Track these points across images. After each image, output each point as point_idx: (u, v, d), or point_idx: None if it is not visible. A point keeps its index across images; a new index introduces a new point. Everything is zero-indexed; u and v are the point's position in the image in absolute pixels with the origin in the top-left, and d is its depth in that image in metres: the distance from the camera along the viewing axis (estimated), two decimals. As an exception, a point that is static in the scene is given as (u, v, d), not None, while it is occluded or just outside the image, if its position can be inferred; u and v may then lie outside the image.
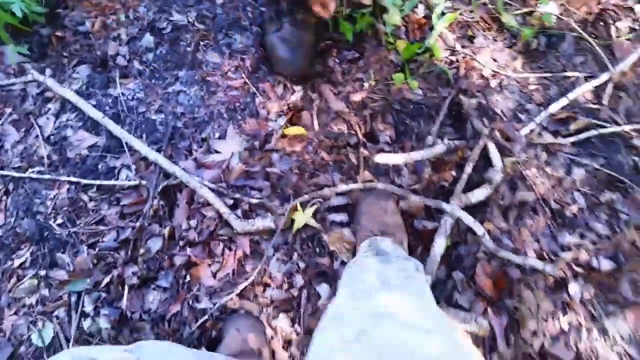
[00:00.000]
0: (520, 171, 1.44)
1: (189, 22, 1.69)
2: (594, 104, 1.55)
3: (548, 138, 1.49)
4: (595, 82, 1.56)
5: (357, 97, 1.56)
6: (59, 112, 1.55)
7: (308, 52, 1.55)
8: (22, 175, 1.46)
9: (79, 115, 1.54)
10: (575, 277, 1.27)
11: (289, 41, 1.53)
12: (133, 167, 1.46)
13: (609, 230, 1.34)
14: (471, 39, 1.66)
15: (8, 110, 1.55)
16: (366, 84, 1.59)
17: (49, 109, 1.56)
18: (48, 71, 1.59)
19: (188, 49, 1.65)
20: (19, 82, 1.58)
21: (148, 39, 1.66)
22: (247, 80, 1.60)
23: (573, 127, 1.51)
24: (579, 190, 1.41)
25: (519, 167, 1.44)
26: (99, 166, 1.47)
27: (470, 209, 1.37)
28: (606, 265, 1.27)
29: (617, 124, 1.50)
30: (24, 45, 1.63)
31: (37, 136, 1.52)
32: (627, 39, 1.64)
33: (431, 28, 1.64)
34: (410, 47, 1.59)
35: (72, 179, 1.45)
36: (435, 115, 1.54)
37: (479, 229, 1.29)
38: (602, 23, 1.67)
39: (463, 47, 1.64)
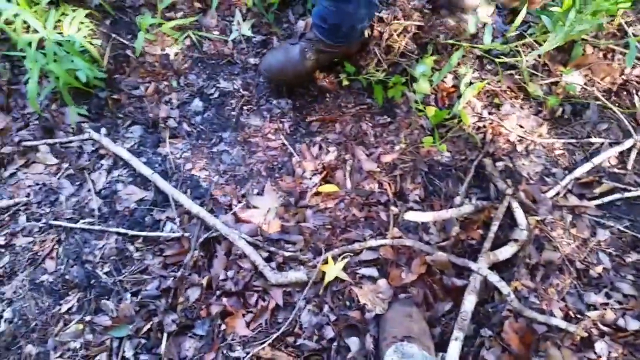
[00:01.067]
0: (546, 231, 1.48)
1: (234, 88, 1.83)
2: (618, 168, 1.60)
3: (573, 201, 1.53)
4: (619, 148, 1.61)
5: (388, 158, 1.65)
6: (111, 168, 1.68)
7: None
8: (74, 225, 1.57)
9: (130, 171, 1.67)
10: (602, 336, 1.28)
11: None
12: (177, 220, 1.55)
13: (636, 290, 1.36)
14: (498, 106, 1.74)
15: (65, 165, 1.69)
16: (397, 146, 1.68)
17: (102, 165, 1.69)
18: (103, 130, 1.73)
19: (233, 112, 1.78)
20: (77, 140, 1.73)
21: (197, 104, 1.80)
22: (285, 142, 1.71)
23: (598, 190, 1.55)
24: (604, 251, 1.44)
25: (544, 227, 1.48)
26: (146, 219, 1.58)
27: (498, 266, 1.41)
28: (633, 325, 1.29)
29: (642, 188, 1.55)
30: (83, 107, 1.78)
31: (90, 190, 1.64)
32: (651, 108, 1.70)
33: (459, 96, 1.74)
34: (439, 114, 1.68)
35: (120, 230, 1.55)
36: (463, 176, 1.61)
37: (505, 289, 1.33)
38: (625, 92, 1.74)
39: (490, 113, 1.73)
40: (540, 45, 1.77)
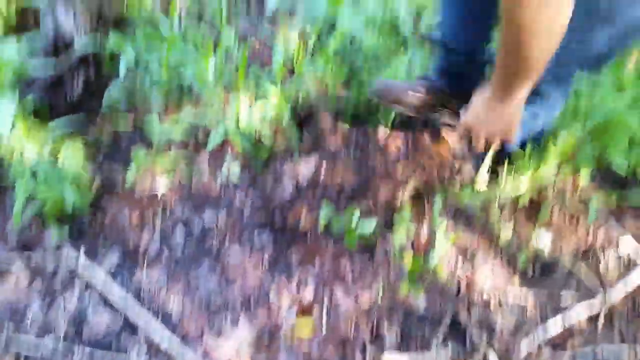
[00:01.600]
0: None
1: (217, 222, 1.87)
2: (589, 327, 1.63)
3: (546, 354, 1.53)
4: (589, 307, 1.65)
5: (365, 299, 1.65)
6: (84, 290, 1.64)
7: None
8: (39, 344, 1.50)
9: (103, 295, 1.63)
10: None
11: None
12: (145, 349, 1.50)
13: None
14: (472, 258, 1.80)
15: (38, 284, 1.65)
16: (374, 289, 1.69)
17: (76, 286, 1.65)
18: (82, 252, 1.72)
19: (214, 243, 1.80)
20: (53, 260, 1.71)
21: (179, 234, 1.83)
22: (264, 275, 1.72)
23: (570, 345, 1.56)
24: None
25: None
26: (113, 343, 1.51)
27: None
28: None
29: (612, 343, 1.56)
30: (65, 228, 1.79)
31: (59, 310, 1.59)
32: (616, 268, 1.78)
33: (435, 246, 1.80)
34: (415, 261, 1.73)
35: (86, 351, 1.48)
36: (439, 324, 1.62)
37: None
38: (591, 253, 1.83)
39: (464, 264, 1.78)
40: (507, 202, 1.89)
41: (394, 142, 2.19)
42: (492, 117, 1.24)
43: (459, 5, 1.60)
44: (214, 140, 1.98)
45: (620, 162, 1.87)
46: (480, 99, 1.26)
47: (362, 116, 2.24)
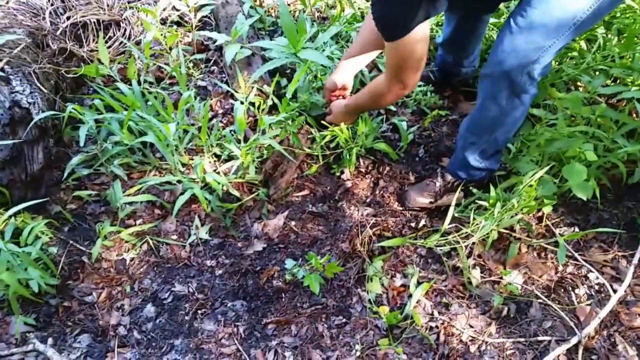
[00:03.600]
0: None
1: (189, 292, 1.76)
2: (568, 365, 1.57)
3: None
4: (566, 346, 1.59)
5: (345, 364, 1.56)
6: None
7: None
8: None
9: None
10: None
11: None
12: None
13: None
14: (447, 306, 1.73)
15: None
16: (354, 349, 1.60)
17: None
18: (50, 340, 1.59)
19: (186, 317, 1.69)
20: (19, 352, 1.57)
21: (149, 309, 1.71)
22: (239, 347, 1.61)
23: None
24: None
25: None
26: None
27: None
28: None
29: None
30: (31, 315, 1.66)
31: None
32: (588, 304, 1.72)
33: (410, 296, 1.73)
34: (392, 315, 1.65)
35: None
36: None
37: None
38: (562, 289, 1.78)
39: (440, 313, 1.71)
40: (475, 243, 1.84)
41: (360, 188, 2.12)
42: (339, 116, 2.04)
43: (449, 27, 2.23)
44: (179, 204, 1.87)
45: (581, 190, 1.82)
46: (340, 105, 2.02)
47: (329, 163, 2.17)
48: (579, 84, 2.31)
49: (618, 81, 2.23)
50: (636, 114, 2.10)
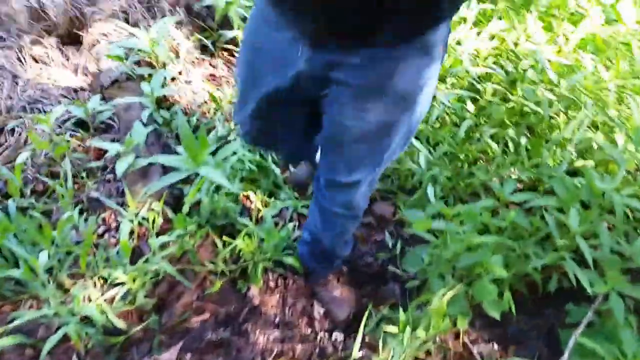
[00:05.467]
0: None
1: None
2: None
3: None
4: None
5: None
6: None
7: None
8: None
9: None
10: None
11: None
12: None
13: None
14: None
15: None
16: None
17: None
18: None
19: None
20: None
21: None
22: None
23: None
24: None
25: None
26: None
27: None
28: None
29: None
30: None
31: None
32: None
33: None
34: None
35: None
36: None
37: None
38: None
39: None
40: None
41: (269, 306, 1.89)
42: None
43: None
44: (48, 346, 1.58)
45: (493, 310, 1.67)
46: None
47: (234, 280, 1.94)
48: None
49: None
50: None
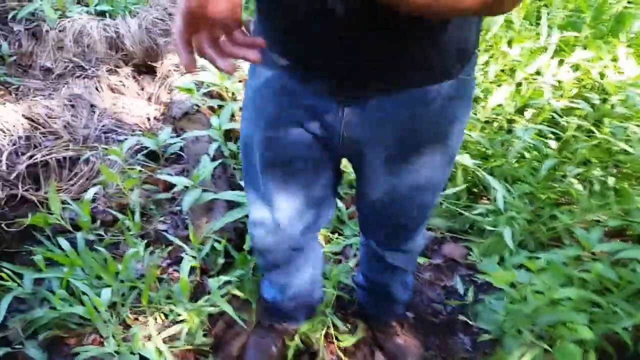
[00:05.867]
0: None
1: None
2: None
3: None
4: None
5: None
6: None
7: None
8: None
9: None
10: None
11: None
12: None
13: None
14: None
15: None
16: None
17: None
18: None
19: None
20: None
21: None
22: None
23: None
24: None
25: None
26: None
27: None
28: None
29: None
30: None
31: None
32: None
33: None
34: None
35: None
36: None
37: None
38: None
39: None
40: None
41: (327, 352, 1.79)
42: None
43: None
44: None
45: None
46: None
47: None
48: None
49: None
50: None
